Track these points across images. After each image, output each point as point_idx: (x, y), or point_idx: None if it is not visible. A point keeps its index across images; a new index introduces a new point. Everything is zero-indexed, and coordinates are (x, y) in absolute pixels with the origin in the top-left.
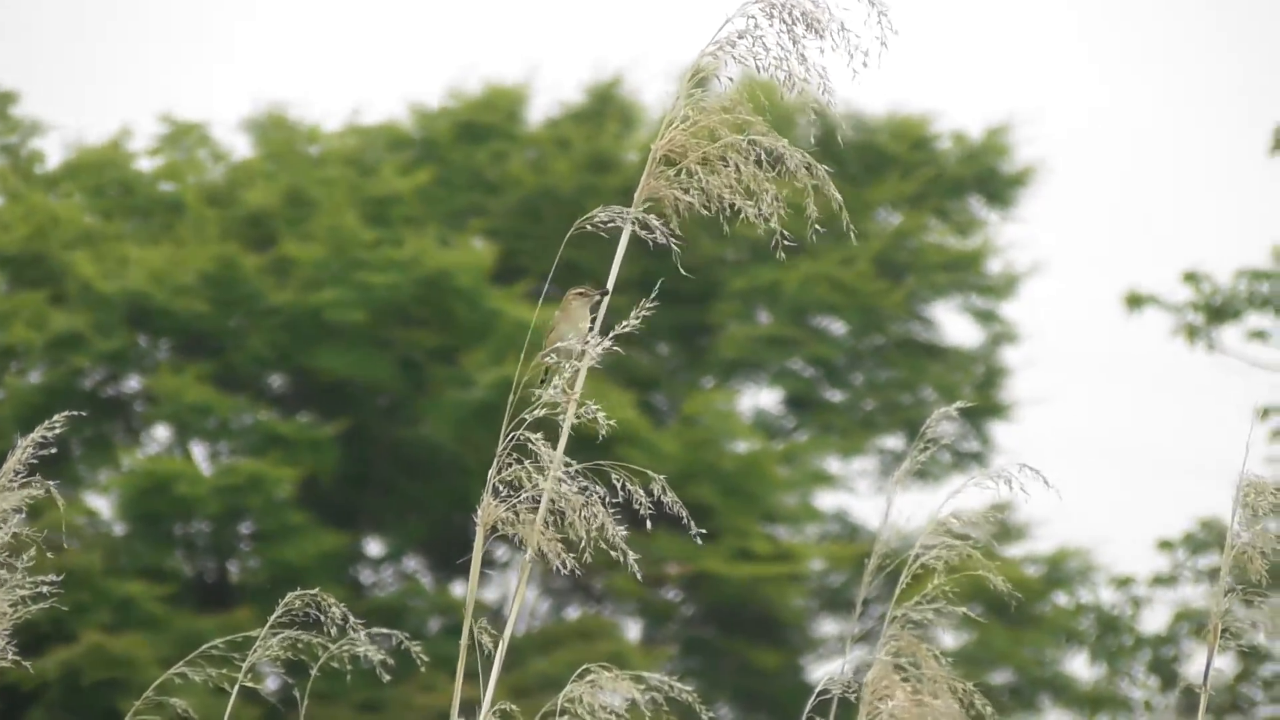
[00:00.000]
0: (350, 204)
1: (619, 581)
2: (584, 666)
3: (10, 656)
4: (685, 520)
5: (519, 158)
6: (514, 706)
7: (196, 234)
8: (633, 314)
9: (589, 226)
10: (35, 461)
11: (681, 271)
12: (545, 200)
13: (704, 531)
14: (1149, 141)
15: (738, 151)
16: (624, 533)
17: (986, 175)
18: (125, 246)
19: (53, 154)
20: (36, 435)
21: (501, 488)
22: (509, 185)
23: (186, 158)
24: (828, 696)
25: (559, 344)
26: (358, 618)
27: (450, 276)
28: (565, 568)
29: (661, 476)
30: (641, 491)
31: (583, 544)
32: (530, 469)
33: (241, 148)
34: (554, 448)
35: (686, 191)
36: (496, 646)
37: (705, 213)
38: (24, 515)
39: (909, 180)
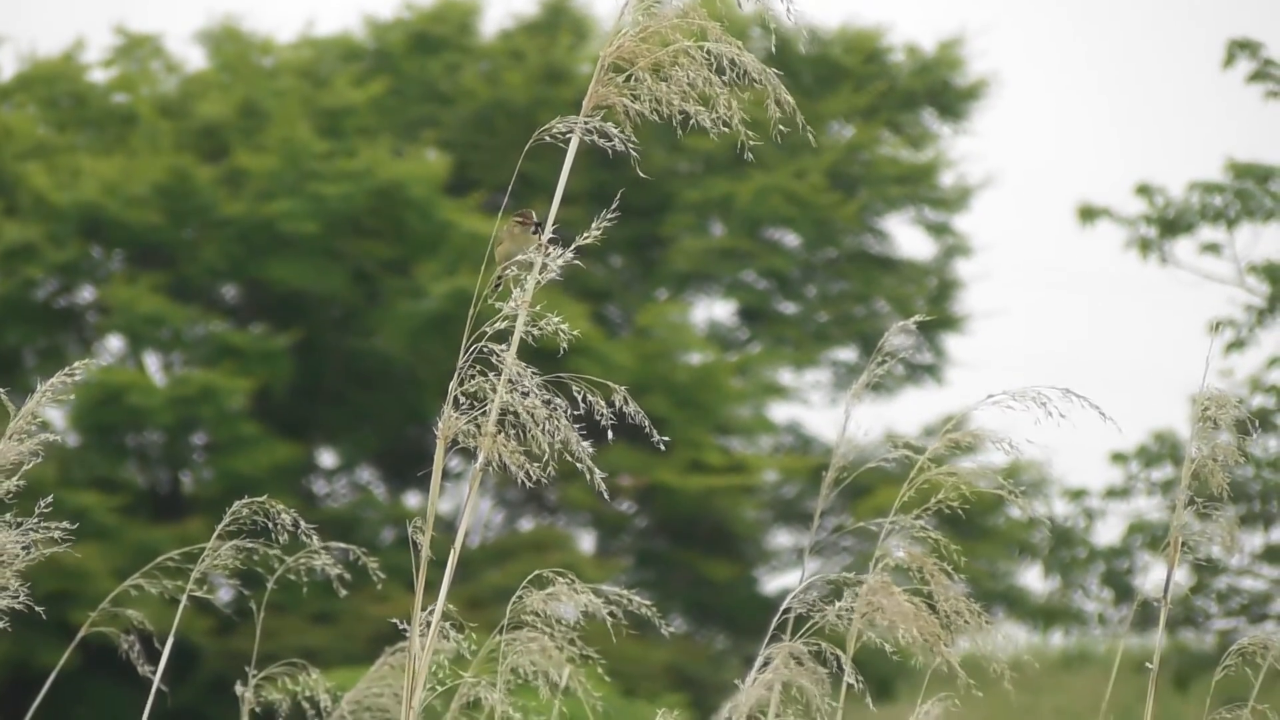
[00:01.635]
0: (303, 115)
1: (573, 493)
2: (536, 572)
3: (23, 599)
4: (647, 429)
5: (472, 70)
6: (452, 607)
7: (150, 145)
8: (593, 225)
9: (547, 138)
10: (55, 405)
11: (640, 174)
12: (498, 112)
13: (667, 440)
14: (1102, 55)
15: (689, 57)
16: (590, 449)
17: (939, 88)
18: (78, 158)
19: (6, 66)
20: (56, 380)
21: (463, 400)
22: (462, 97)
23: (140, 70)
24: (789, 615)
25: (518, 257)
26: (313, 528)
27: (403, 188)
28: (530, 480)
29: (623, 387)
30: (603, 403)
31: (545, 457)
32: (494, 381)
33: (195, 60)
34: (517, 359)
35: (636, 98)
36: (445, 552)
37: (657, 119)
38: (40, 459)
39: (862, 93)
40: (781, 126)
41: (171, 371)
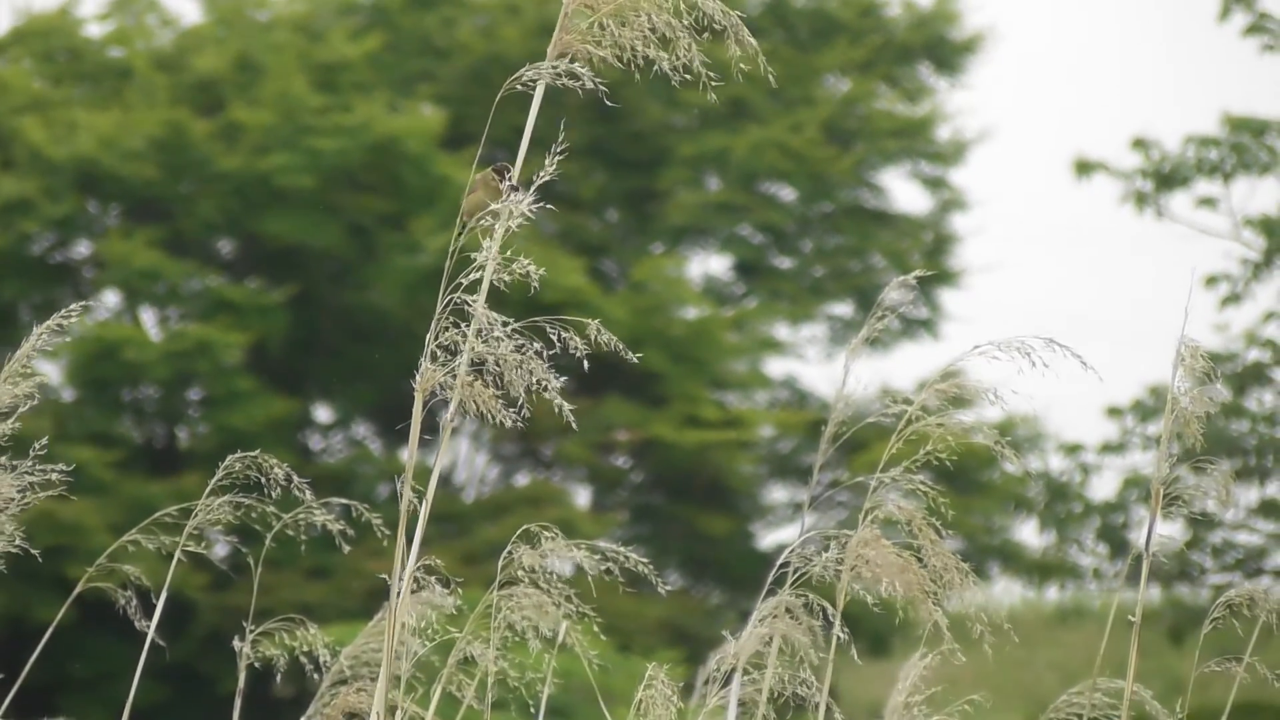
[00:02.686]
0: (299, 70)
1: (568, 448)
2: (524, 528)
3: (18, 543)
4: (621, 351)
5: (468, 24)
6: (439, 561)
7: (145, 99)
8: (546, 161)
9: (519, 86)
10: (49, 349)
11: (609, 102)
12: (494, 66)
13: (640, 355)
14: (1097, 7)
15: (651, 1)
16: (558, 383)
17: (935, 42)
18: (74, 112)
19: (1, 20)
20: (52, 323)
21: (440, 353)
22: (458, 51)
23: (135, 23)
24: (786, 570)
25: (479, 205)
26: (306, 483)
27: (399, 142)
28: (505, 423)
29: (595, 320)
30: (578, 338)
31: (521, 400)
32: (466, 332)
33: (190, 14)
34: (492, 310)
35: (599, 44)
36: (439, 507)
37: (619, 65)
38: (36, 401)
39: (858, 46)
40: (742, 66)
41: (167, 326)
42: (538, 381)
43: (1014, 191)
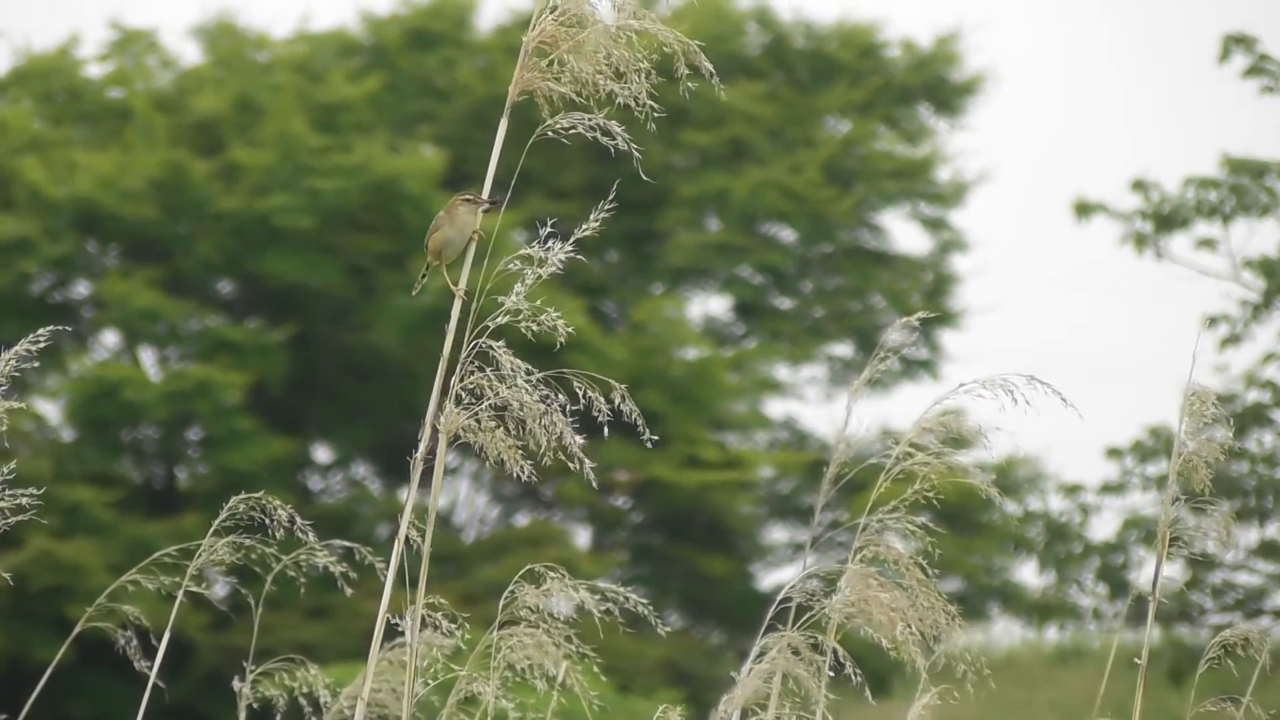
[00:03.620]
0: (299, 110)
1: (568, 488)
2: (528, 567)
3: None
4: (640, 428)
5: (468, 65)
6: (443, 600)
7: (145, 140)
8: (591, 217)
9: (550, 133)
10: (17, 374)
11: (643, 176)
12: (494, 107)
13: (656, 438)
14: (1098, 49)
15: (606, 36)
16: (581, 441)
17: (935, 83)
18: (74, 152)
19: (1, 60)
20: (21, 348)
21: (464, 395)
22: (458, 92)
23: (135, 64)
24: (788, 605)
25: (445, 241)
26: (309, 524)
27: (399, 183)
28: (524, 474)
29: (623, 386)
30: (602, 399)
31: (541, 452)
32: (491, 377)
33: (190, 54)
34: (512, 355)
35: (559, 81)
36: (443, 546)
37: (577, 99)
38: (4, 428)
39: (858, 88)
40: (689, 86)
41: (167, 366)
42: (558, 437)
43: (1013, 232)
